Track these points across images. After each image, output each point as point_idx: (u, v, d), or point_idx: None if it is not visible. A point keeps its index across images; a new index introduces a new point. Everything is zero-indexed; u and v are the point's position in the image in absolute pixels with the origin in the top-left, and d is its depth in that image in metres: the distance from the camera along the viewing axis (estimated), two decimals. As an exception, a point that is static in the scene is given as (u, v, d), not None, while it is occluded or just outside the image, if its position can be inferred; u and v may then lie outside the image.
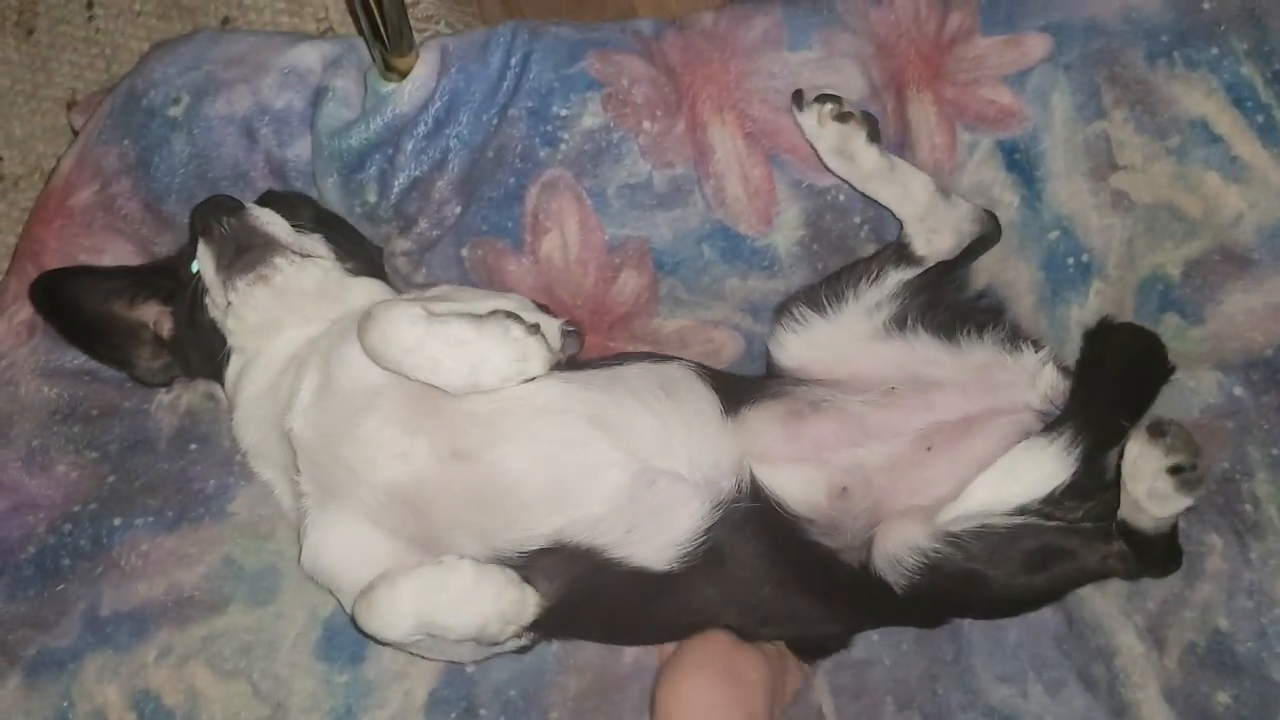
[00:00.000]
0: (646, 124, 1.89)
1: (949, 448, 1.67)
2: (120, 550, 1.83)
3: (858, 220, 1.90)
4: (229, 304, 1.69)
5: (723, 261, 1.91)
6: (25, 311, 1.98)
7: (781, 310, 1.84)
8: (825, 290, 1.82)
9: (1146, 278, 1.85)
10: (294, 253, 1.71)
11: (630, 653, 1.83)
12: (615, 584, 1.61)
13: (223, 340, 1.74)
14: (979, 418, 1.69)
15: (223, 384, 1.80)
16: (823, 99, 1.78)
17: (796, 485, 1.67)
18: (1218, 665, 1.71)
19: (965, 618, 1.82)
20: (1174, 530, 1.61)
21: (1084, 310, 1.87)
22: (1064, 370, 1.74)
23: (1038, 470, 1.59)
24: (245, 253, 1.69)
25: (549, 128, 1.87)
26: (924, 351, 1.76)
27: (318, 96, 1.89)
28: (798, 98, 1.81)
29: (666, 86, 1.90)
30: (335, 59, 1.92)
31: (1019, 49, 1.87)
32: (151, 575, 1.81)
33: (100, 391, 1.94)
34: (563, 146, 1.88)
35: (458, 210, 1.91)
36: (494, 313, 1.60)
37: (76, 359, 1.95)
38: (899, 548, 1.61)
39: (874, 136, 1.78)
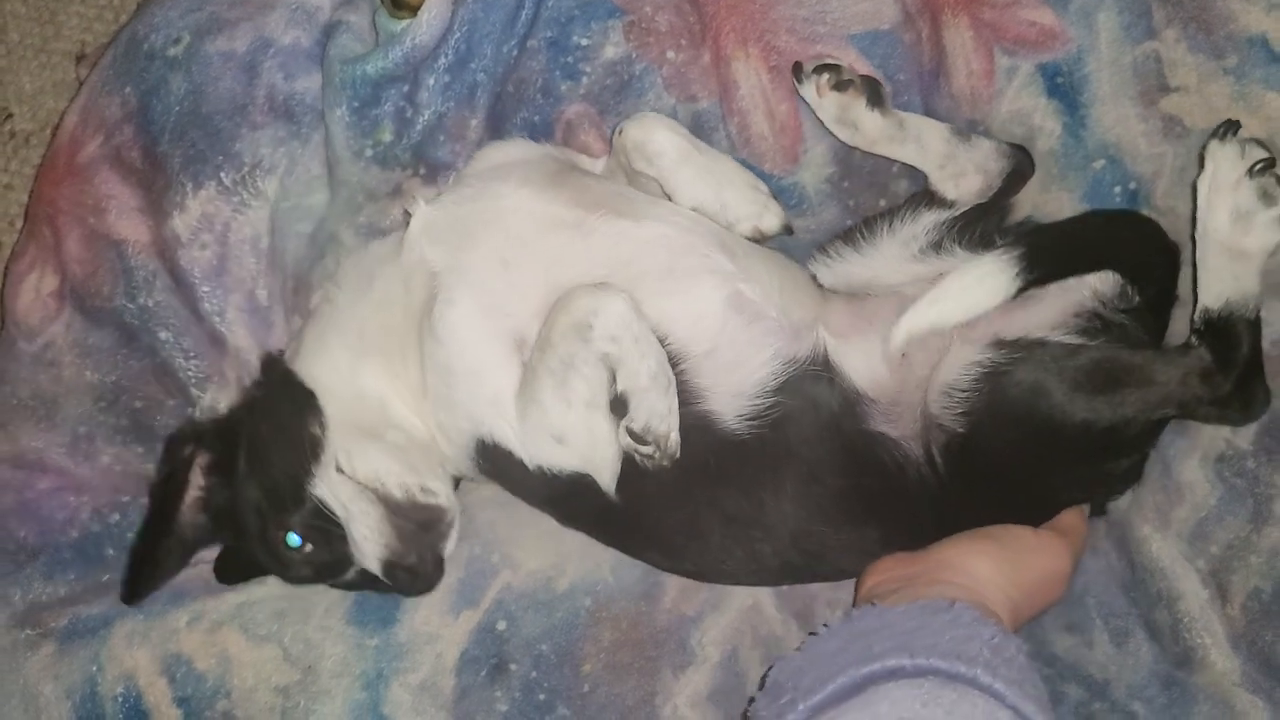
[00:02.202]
0: (670, 54, 1.77)
1: (999, 314, 1.59)
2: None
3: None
4: None
5: None
6: (52, 281, 1.91)
7: (819, 249, 1.79)
8: (861, 228, 1.77)
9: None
10: None
11: (666, 602, 1.74)
12: (687, 431, 1.56)
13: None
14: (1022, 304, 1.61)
15: None
16: (820, 69, 1.71)
17: (860, 358, 1.63)
18: (1284, 612, 1.61)
19: (1037, 470, 1.61)
20: (1257, 350, 1.53)
21: (1133, 240, 1.73)
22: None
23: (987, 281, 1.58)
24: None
25: (570, 59, 1.77)
26: (960, 260, 1.69)
27: (330, 31, 1.79)
28: (797, 70, 1.73)
29: (691, 15, 1.78)
30: (346, -1, 1.80)
31: (1062, -34, 1.71)
32: (194, 563, 1.78)
33: (140, 377, 1.88)
34: (584, 80, 1.78)
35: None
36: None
37: (110, 336, 1.88)
38: (952, 372, 1.54)
39: (875, 100, 1.70)
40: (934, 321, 1.59)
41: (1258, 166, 1.51)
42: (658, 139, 1.69)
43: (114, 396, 1.87)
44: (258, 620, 1.71)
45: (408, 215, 1.70)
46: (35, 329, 1.90)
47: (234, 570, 1.75)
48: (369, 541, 1.60)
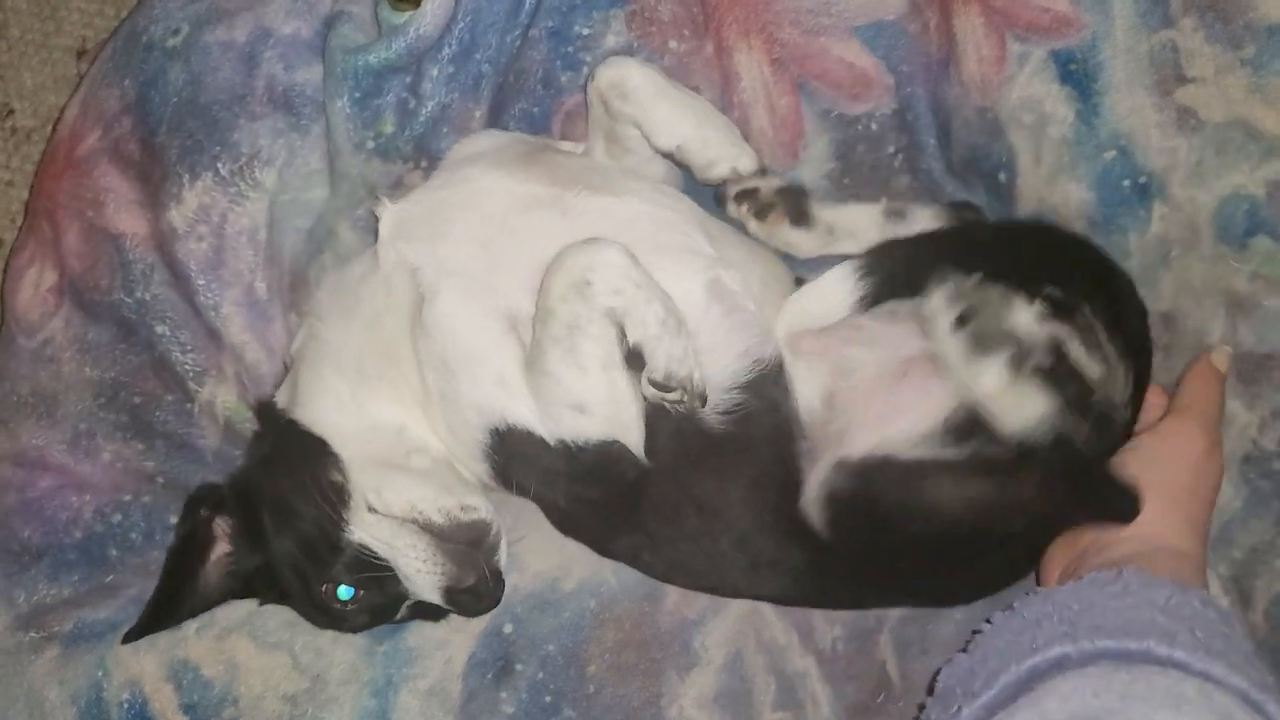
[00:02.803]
0: (673, 44, 1.74)
1: (921, 379, 1.51)
2: (173, 546, 1.77)
3: (891, 149, 1.75)
4: None
5: None
6: (51, 276, 1.89)
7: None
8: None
9: (1226, 198, 1.63)
10: None
11: (668, 604, 1.71)
12: (679, 435, 1.52)
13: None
14: None
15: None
16: (740, 196, 1.69)
17: (804, 375, 1.56)
18: (1310, 617, 1.58)
19: (906, 581, 1.59)
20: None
21: (1145, 237, 1.67)
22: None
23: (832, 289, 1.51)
24: None
25: (570, 49, 1.73)
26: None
27: (331, 21, 1.75)
28: (721, 198, 1.72)
29: (694, 5, 1.74)
30: (347, -11, 1.76)
31: (1076, -49, 1.64)
32: None
33: (139, 372, 1.86)
34: (585, 70, 1.73)
35: (487, 140, 1.77)
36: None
37: (108, 331, 1.86)
38: (814, 482, 1.49)
39: (798, 218, 1.68)
40: (781, 329, 1.55)
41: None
42: (634, 75, 1.63)
43: (113, 392, 1.85)
44: (268, 628, 1.69)
45: (375, 219, 1.63)
46: (35, 325, 1.89)
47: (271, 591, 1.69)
48: (423, 574, 1.53)
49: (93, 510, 1.80)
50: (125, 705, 1.68)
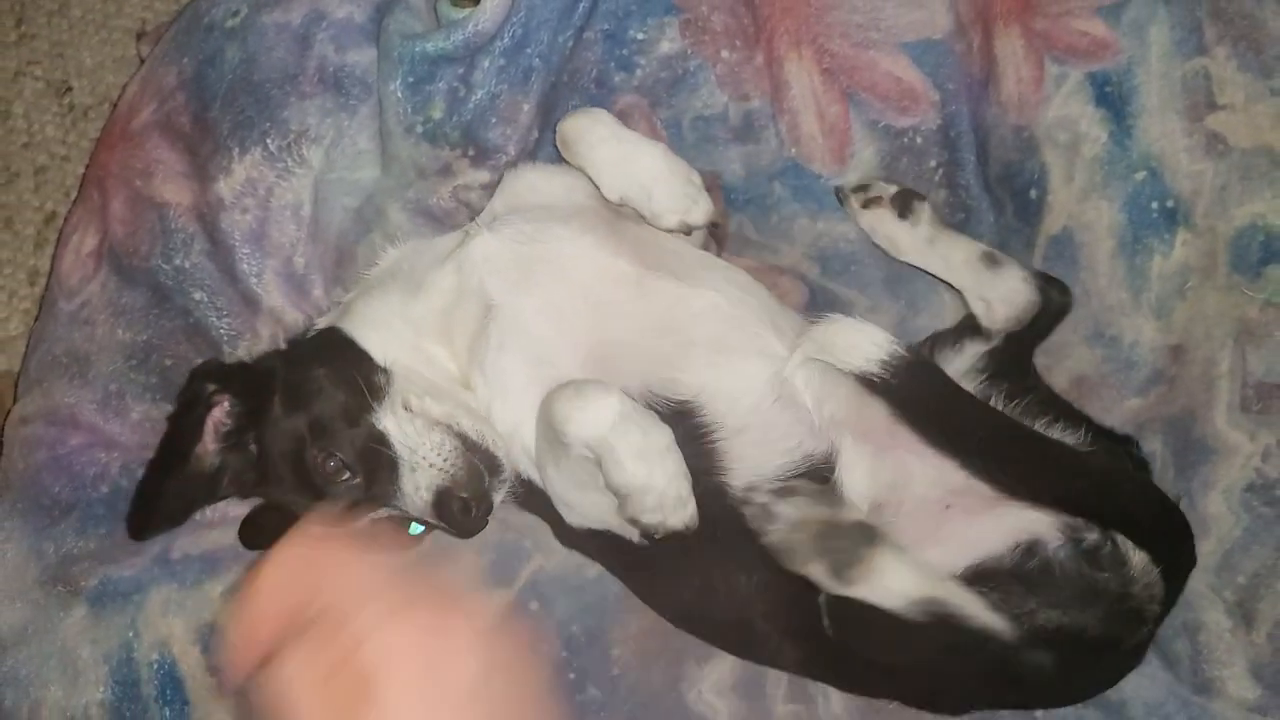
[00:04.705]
0: (725, 53, 1.76)
1: (964, 514, 1.53)
2: (196, 504, 1.74)
3: (933, 163, 1.78)
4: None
5: (794, 200, 1.80)
6: (92, 241, 1.88)
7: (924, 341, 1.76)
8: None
9: (1244, 228, 1.66)
10: None
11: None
12: (700, 497, 1.50)
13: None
14: (1005, 501, 1.51)
15: None
16: (857, 189, 1.75)
17: (860, 471, 1.56)
18: (1311, 638, 1.58)
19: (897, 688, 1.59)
20: None
21: (1168, 262, 1.69)
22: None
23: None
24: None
25: (625, 52, 1.76)
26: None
27: (388, 6, 1.78)
28: (839, 191, 1.77)
29: (745, 16, 1.77)
30: (403, -22, 1.78)
31: (1116, -19, 1.69)
32: (225, 526, 1.74)
33: (171, 336, 1.85)
34: (638, 72, 1.76)
35: (535, 136, 1.78)
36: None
37: (143, 296, 1.85)
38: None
39: (905, 212, 1.70)
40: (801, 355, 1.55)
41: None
42: (577, 126, 1.64)
43: (145, 355, 1.84)
44: (291, 594, 1.67)
45: (466, 234, 1.65)
46: (74, 289, 1.88)
47: (258, 535, 1.67)
48: (433, 470, 1.52)
49: (119, 466, 1.78)
50: (155, 665, 1.66)
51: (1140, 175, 1.69)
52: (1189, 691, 1.63)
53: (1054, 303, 1.70)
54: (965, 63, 1.74)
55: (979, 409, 1.53)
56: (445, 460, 1.52)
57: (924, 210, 1.71)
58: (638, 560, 1.60)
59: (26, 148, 2.45)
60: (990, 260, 1.69)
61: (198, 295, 1.84)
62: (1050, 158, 1.71)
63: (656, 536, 1.48)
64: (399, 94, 1.73)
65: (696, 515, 1.47)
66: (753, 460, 1.53)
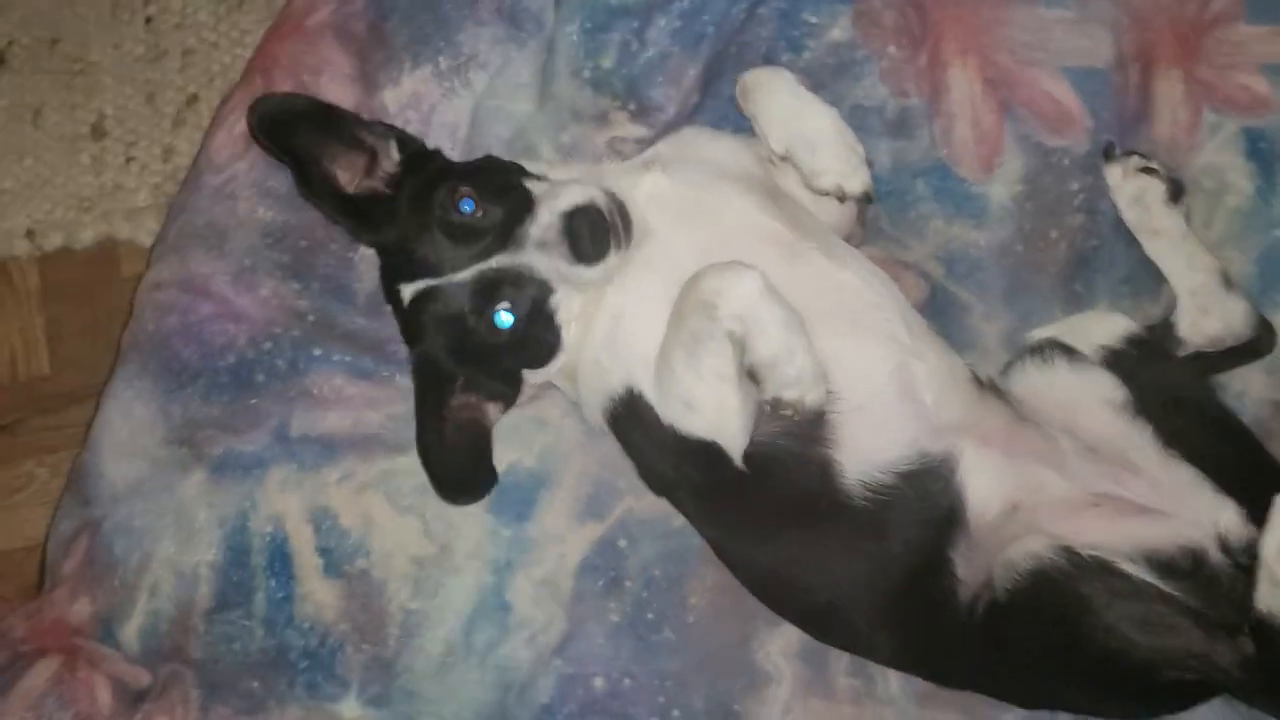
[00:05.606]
0: (891, 49, 1.80)
1: (1113, 514, 1.55)
2: (315, 379, 1.79)
3: (1075, 187, 1.79)
4: None
5: (934, 199, 1.81)
6: (245, 124, 1.89)
7: (1036, 345, 1.71)
8: (1065, 348, 1.70)
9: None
10: None
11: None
12: (808, 469, 1.55)
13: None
14: (1153, 511, 1.55)
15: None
16: (1129, 152, 1.74)
17: (988, 476, 1.57)
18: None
19: (1050, 673, 1.55)
20: None
21: (1291, 319, 1.73)
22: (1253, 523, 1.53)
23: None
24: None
25: (796, 32, 1.79)
26: (1141, 441, 1.61)
27: None
28: (1109, 149, 1.76)
29: (914, 19, 1.81)
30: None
31: (1284, 42, 1.73)
32: (342, 408, 1.77)
33: (310, 221, 1.87)
34: (806, 54, 1.79)
35: (695, 100, 1.81)
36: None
37: (288, 181, 1.86)
38: (1019, 552, 1.49)
39: (1174, 196, 1.70)
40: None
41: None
42: (759, 77, 1.68)
43: (281, 234, 1.87)
44: (402, 491, 1.72)
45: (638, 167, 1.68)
46: (222, 165, 1.92)
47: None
48: (575, 190, 1.54)
49: (246, 338, 1.81)
50: (267, 538, 1.71)
51: (1278, 233, 1.73)
52: None
53: (1260, 342, 1.70)
54: (1121, 95, 1.77)
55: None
56: (586, 188, 1.56)
57: (1185, 207, 1.71)
58: (722, 506, 1.63)
59: (178, 29, 2.49)
60: (1227, 280, 1.69)
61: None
62: (1193, 202, 1.74)
63: (795, 417, 1.52)
64: (574, 37, 1.77)
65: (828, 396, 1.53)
66: (866, 445, 1.56)
